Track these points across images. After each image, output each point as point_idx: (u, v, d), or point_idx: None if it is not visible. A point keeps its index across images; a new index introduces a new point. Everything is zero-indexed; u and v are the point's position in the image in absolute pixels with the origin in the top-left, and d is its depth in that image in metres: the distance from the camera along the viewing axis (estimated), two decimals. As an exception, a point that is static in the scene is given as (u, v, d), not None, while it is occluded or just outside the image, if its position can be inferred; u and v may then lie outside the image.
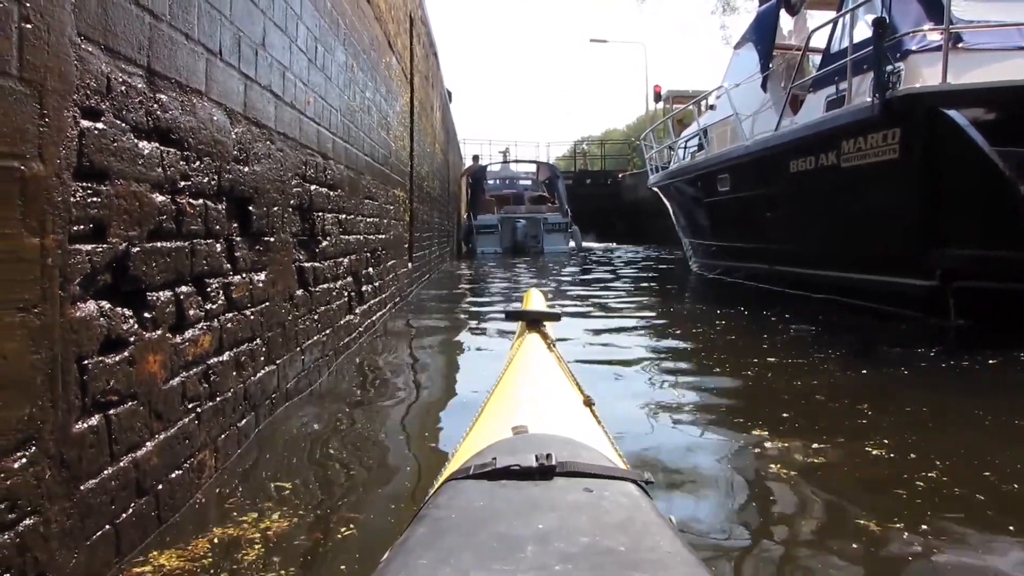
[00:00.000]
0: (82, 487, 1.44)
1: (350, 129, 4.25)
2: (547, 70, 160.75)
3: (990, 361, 4.00)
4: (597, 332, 5.18)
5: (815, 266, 6.82)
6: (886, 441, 2.55)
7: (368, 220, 4.81)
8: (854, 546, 1.77)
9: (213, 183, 2.19)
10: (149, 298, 1.78)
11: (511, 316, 2.31)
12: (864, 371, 3.88)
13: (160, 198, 1.84)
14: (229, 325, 2.32)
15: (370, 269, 4.88)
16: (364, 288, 4.67)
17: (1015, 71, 5.00)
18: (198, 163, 2.07)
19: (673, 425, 2.88)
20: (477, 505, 0.93)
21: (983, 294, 4.97)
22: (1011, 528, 1.87)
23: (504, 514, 0.89)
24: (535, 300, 2.54)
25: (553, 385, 1.64)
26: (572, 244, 19.63)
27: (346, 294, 4.14)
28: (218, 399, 2.21)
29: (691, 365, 4.21)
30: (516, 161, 27.06)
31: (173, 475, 1.87)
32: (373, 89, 5.07)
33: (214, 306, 2.20)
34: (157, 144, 1.82)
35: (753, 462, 2.41)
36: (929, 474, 2.22)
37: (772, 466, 2.33)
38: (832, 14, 7.22)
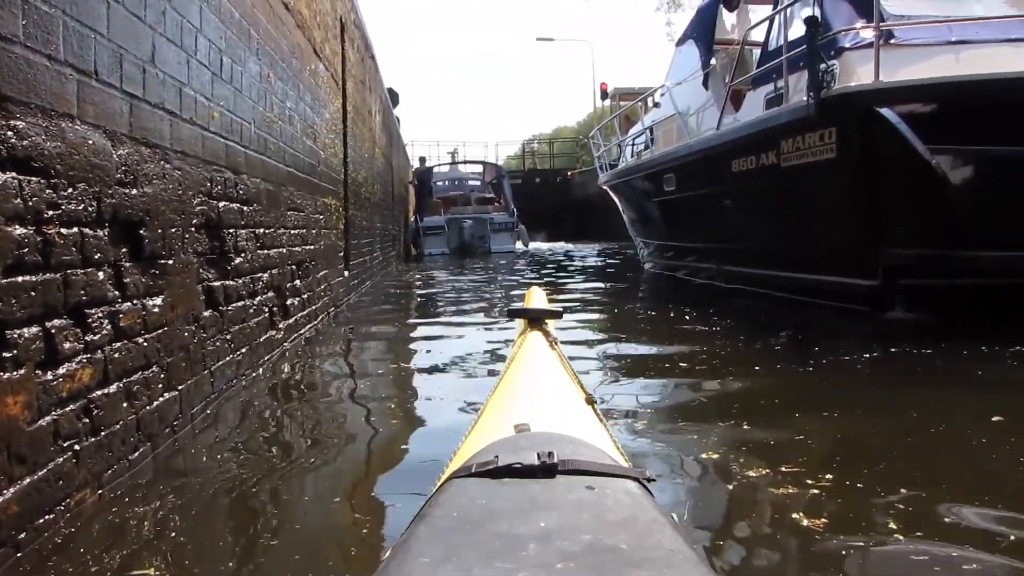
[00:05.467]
0: (-85, 548, 1.36)
1: (267, 141, 4.15)
2: (495, 69, 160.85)
3: (926, 353, 4.15)
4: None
5: (762, 265, 6.84)
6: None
7: (292, 232, 4.71)
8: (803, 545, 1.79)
9: (91, 209, 2.10)
10: (8, 336, 1.69)
11: (513, 314, 2.32)
12: (812, 365, 3.95)
13: (20, 230, 1.75)
14: (116, 355, 2.23)
15: (296, 282, 4.78)
16: (289, 302, 4.57)
17: (947, 67, 5.03)
18: (70, 190, 1.98)
19: (638, 423, 2.91)
20: (479, 503, 0.93)
21: (925, 291, 5.04)
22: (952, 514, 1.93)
23: (506, 512, 0.89)
24: (536, 298, 2.53)
25: (555, 383, 1.65)
26: (519, 244, 19.68)
27: (267, 309, 4.04)
28: (103, 433, 2.12)
29: (641, 362, 4.29)
30: (463, 162, 27.01)
31: (41, 520, 1.78)
32: (295, 98, 4.97)
33: (96, 337, 2.11)
34: (14, 174, 1.73)
35: (724, 458, 2.44)
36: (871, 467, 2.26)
37: (735, 464, 2.36)
38: (770, 9, 7.19)
